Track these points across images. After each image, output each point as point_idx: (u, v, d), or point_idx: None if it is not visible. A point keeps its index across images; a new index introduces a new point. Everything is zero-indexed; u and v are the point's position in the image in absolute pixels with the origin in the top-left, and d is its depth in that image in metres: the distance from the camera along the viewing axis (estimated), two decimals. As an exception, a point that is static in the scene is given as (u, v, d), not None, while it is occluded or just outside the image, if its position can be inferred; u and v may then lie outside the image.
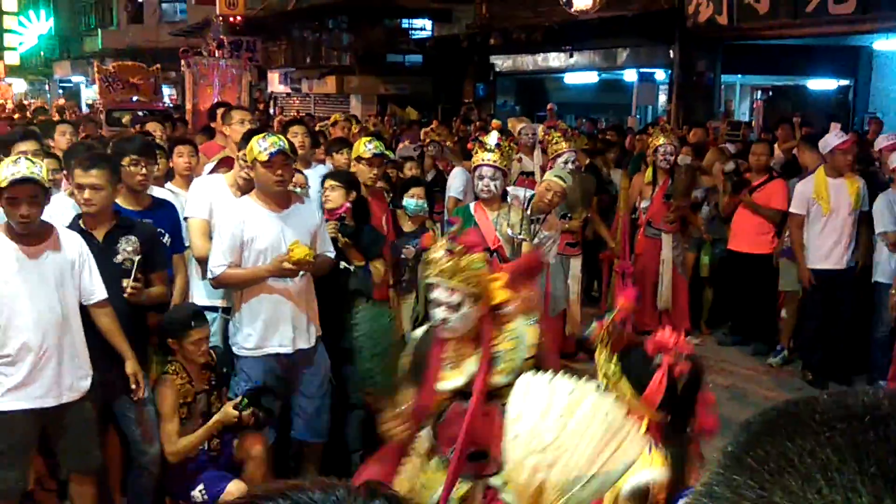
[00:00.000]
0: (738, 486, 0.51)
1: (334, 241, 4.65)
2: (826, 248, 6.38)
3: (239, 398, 4.10)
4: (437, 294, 3.03)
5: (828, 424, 0.51)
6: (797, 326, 7.01)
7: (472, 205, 5.37)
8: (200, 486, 3.98)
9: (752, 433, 0.55)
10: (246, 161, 4.37)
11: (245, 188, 4.53)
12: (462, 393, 3.09)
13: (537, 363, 3.11)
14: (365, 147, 5.34)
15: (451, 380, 3.09)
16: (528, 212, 5.42)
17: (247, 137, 4.43)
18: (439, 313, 3.03)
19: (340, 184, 4.88)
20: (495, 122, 7.16)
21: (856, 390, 0.55)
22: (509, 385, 3.02)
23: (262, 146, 4.14)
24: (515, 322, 3.12)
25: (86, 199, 3.91)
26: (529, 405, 1.89)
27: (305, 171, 5.48)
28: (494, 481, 3.06)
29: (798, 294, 6.82)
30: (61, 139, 7.07)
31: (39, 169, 3.56)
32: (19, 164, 3.50)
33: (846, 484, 0.47)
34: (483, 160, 5.15)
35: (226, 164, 5.05)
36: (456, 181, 7.01)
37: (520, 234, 5.14)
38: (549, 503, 1.82)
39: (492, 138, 5.29)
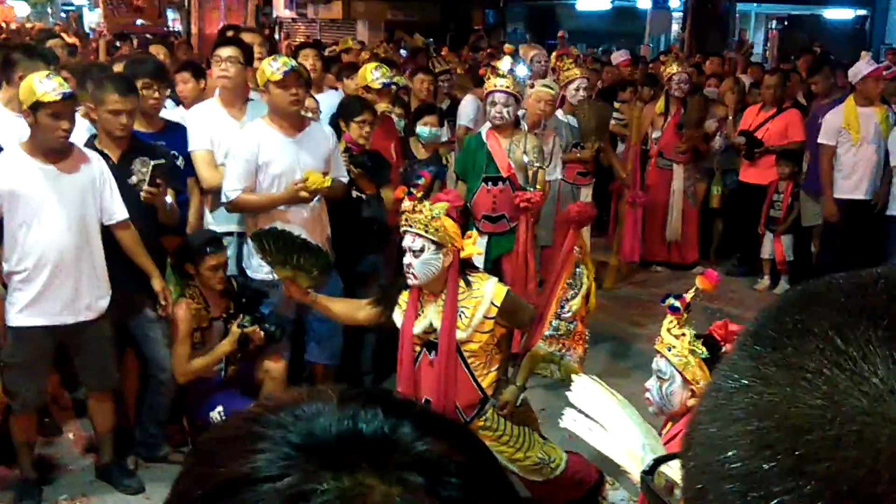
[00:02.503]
0: (759, 355, 0.55)
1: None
2: (854, 180, 6.35)
3: (240, 317, 4.15)
4: (404, 241, 3.20)
5: (842, 293, 0.55)
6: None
7: (483, 132, 5.33)
8: (219, 408, 4.04)
9: (771, 311, 0.58)
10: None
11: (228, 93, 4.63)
12: (428, 343, 3.30)
13: (510, 321, 3.29)
14: (371, 76, 5.28)
15: (417, 325, 3.30)
16: (524, 126, 5.41)
17: None
18: (406, 259, 3.20)
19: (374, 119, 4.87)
20: (507, 47, 7.05)
21: (867, 269, 0.58)
22: (469, 340, 3.17)
23: (274, 66, 4.12)
24: (484, 281, 3.26)
25: (123, 125, 3.90)
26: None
27: (317, 96, 5.44)
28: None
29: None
30: None
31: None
32: (54, 80, 3.51)
33: (860, 338, 0.51)
34: (496, 86, 5.09)
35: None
36: (466, 109, 6.94)
37: (535, 161, 5.11)
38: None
39: (504, 64, 5.22)
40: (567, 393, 2.35)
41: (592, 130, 6.49)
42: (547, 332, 3.39)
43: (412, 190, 3.23)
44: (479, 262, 4.82)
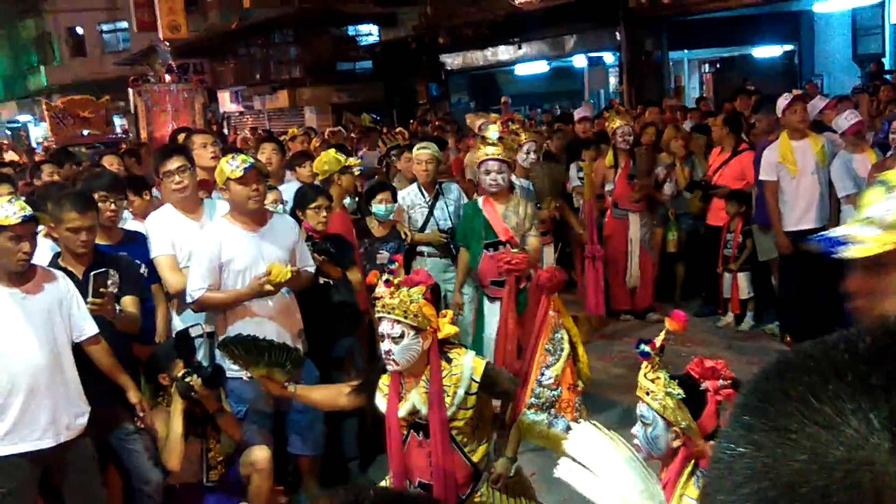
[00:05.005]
0: (749, 424, 0.62)
1: None
2: (800, 210, 6.47)
3: (180, 374, 4.03)
4: (382, 327, 3.10)
5: (811, 359, 0.63)
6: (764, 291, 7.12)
7: (480, 199, 5.39)
8: (209, 513, 3.98)
9: (754, 383, 0.65)
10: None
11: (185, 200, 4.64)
12: (415, 424, 3.21)
13: (492, 392, 3.24)
14: (341, 157, 5.40)
15: (401, 408, 3.19)
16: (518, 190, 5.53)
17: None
18: (384, 346, 3.10)
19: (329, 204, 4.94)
20: (493, 116, 7.19)
21: (829, 335, 0.66)
22: (454, 417, 3.13)
23: (234, 164, 4.17)
24: (462, 356, 3.20)
25: (83, 242, 3.95)
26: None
27: (279, 188, 5.53)
28: None
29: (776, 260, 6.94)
30: None
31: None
32: (14, 204, 3.54)
33: (831, 395, 0.59)
34: (487, 154, 5.16)
35: (203, 186, 5.04)
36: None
37: (526, 226, 5.20)
38: None
39: (493, 132, 5.25)
40: (565, 443, 2.33)
41: (547, 190, 6.63)
42: (531, 401, 3.38)
43: (389, 277, 3.15)
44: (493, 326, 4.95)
